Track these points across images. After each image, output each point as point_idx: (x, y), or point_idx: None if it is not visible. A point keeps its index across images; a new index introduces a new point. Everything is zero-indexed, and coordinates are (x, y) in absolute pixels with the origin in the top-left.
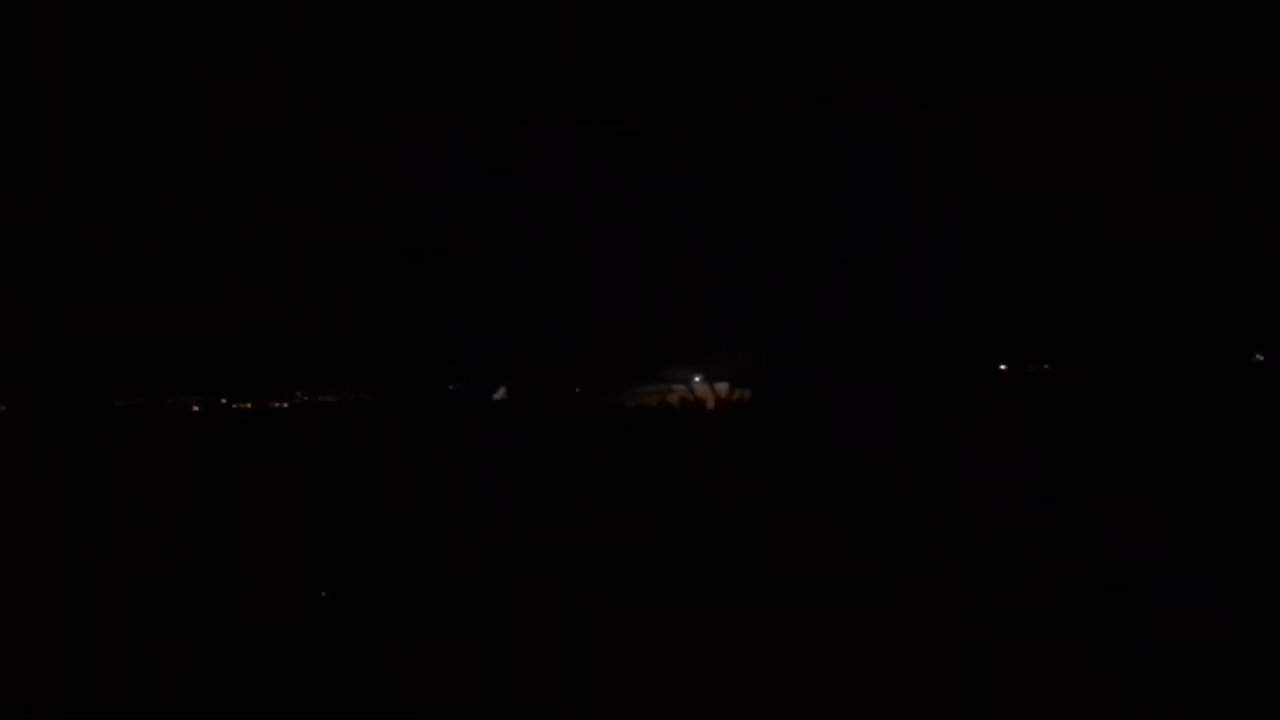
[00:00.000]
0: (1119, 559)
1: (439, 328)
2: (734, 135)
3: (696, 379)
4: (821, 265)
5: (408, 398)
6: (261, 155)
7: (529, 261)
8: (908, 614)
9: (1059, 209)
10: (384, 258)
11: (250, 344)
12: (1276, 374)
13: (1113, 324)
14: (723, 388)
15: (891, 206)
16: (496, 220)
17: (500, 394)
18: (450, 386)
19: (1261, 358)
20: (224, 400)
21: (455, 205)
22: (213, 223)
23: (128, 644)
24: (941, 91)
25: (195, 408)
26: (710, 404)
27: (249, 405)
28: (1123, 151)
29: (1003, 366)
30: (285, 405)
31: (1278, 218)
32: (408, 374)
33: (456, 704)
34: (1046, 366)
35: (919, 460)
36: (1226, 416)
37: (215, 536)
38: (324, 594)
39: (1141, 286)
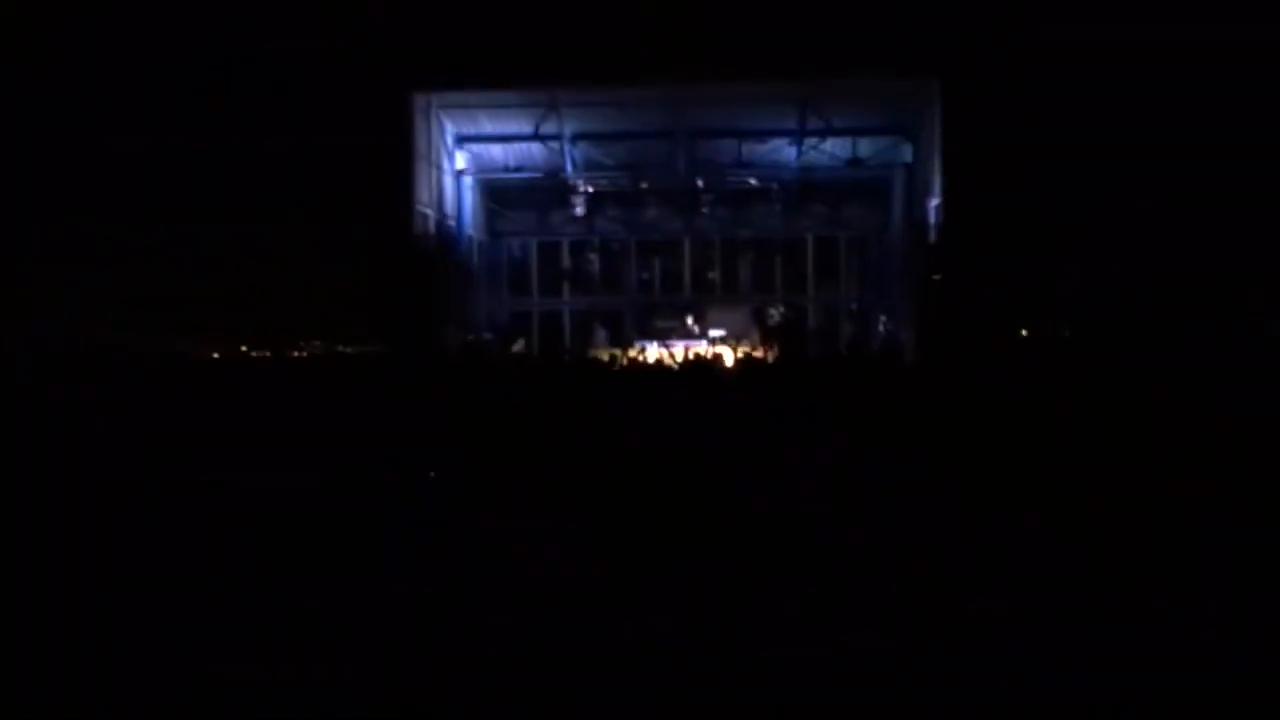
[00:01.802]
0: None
1: (456, 282)
2: None
3: (716, 332)
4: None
5: (425, 350)
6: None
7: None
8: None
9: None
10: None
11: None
12: None
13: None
14: (747, 345)
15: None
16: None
17: (519, 346)
18: (468, 339)
19: None
20: (244, 348)
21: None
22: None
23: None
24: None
25: (215, 355)
26: (729, 361)
27: (268, 354)
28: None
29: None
30: (305, 355)
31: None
32: (423, 327)
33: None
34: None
35: None
36: None
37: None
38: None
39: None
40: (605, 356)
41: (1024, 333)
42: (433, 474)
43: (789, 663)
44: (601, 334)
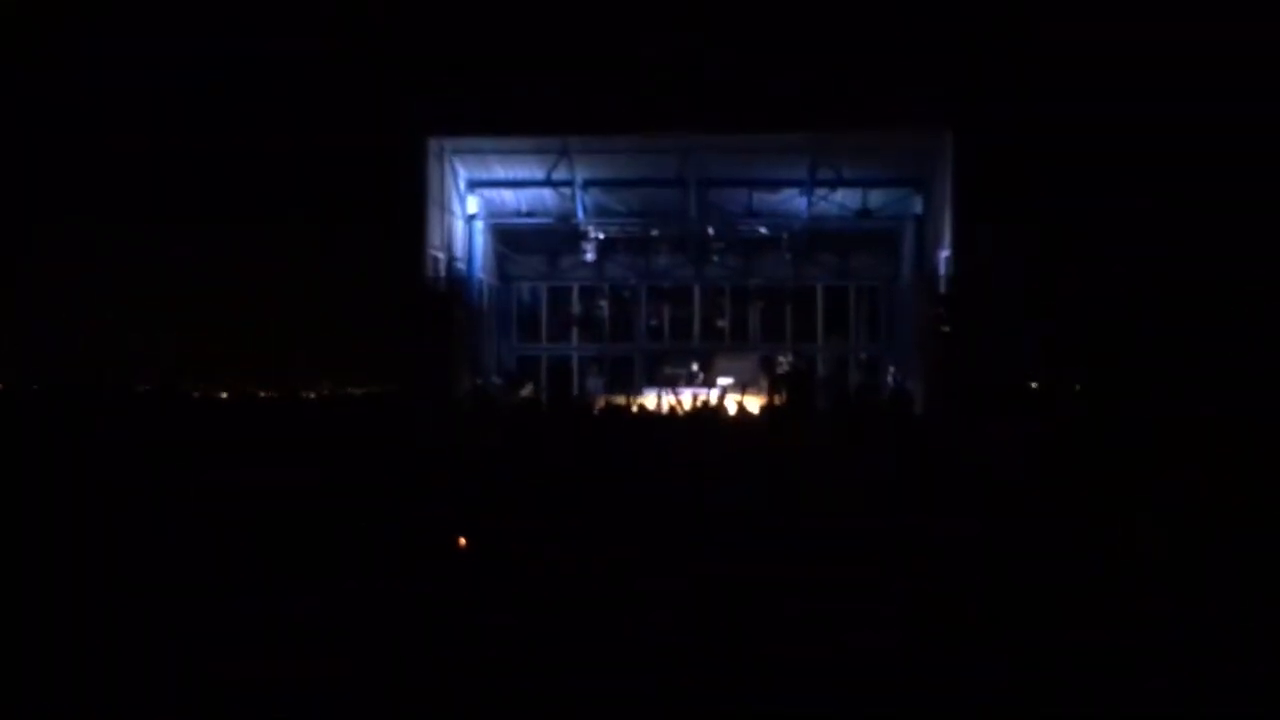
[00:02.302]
0: None
1: (467, 325)
2: None
3: (724, 380)
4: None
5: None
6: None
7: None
8: None
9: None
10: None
11: (271, 333)
12: None
13: None
14: (756, 392)
15: None
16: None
17: (527, 390)
18: (478, 381)
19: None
20: (254, 389)
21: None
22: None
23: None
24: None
25: (223, 395)
26: (733, 410)
27: (276, 395)
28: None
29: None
30: (315, 396)
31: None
32: (435, 370)
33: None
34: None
35: None
36: None
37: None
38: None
39: None
40: (602, 403)
41: (1034, 385)
42: (462, 541)
43: (789, 663)
44: (598, 381)
